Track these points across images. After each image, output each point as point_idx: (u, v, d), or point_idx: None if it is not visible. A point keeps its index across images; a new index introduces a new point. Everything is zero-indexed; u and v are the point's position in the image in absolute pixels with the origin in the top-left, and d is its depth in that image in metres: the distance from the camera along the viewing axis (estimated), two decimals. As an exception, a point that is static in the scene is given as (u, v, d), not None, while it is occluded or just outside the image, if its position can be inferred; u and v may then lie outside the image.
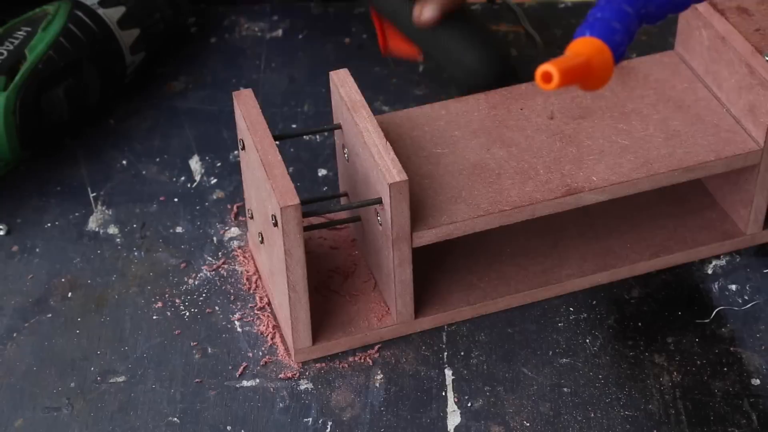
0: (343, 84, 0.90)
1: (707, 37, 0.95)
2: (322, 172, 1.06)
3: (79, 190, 1.05)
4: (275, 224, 0.85)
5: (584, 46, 0.70)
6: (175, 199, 1.04)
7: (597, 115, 0.95)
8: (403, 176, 0.83)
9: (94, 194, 1.04)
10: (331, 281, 0.95)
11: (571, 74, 0.67)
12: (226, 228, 1.01)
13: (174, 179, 1.06)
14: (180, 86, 1.15)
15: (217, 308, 0.95)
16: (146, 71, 1.16)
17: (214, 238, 1.00)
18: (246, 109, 0.90)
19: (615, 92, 0.96)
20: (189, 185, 1.05)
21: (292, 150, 1.07)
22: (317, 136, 1.09)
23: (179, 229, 1.01)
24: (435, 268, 0.96)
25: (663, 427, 0.86)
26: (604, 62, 0.70)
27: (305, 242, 0.84)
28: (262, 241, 0.92)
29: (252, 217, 0.94)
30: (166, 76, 1.16)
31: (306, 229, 0.88)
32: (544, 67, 0.66)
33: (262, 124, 0.88)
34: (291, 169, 1.04)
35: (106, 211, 1.03)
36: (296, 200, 0.83)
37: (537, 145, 0.92)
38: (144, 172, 1.06)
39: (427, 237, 0.88)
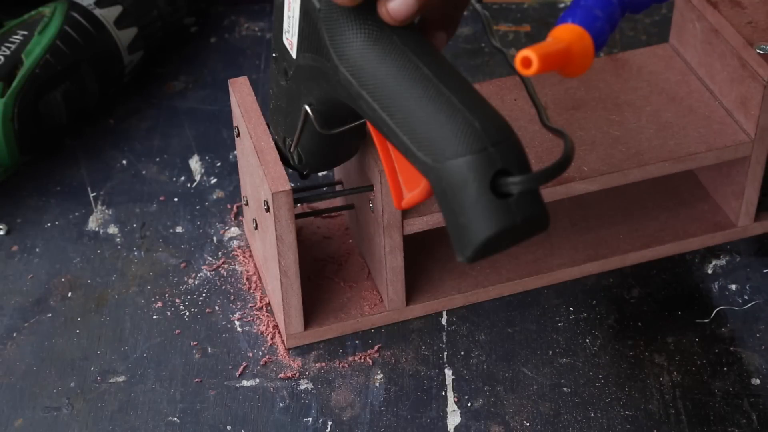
0: None
1: (700, 29, 0.96)
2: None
3: (79, 190, 1.05)
4: (267, 210, 0.85)
5: (565, 33, 0.70)
6: (175, 199, 1.04)
7: (590, 106, 0.95)
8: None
9: (94, 194, 1.04)
10: (324, 269, 0.96)
11: (550, 60, 0.68)
12: (226, 228, 1.01)
13: (174, 179, 1.06)
14: (180, 86, 1.15)
15: (217, 308, 0.95)
16: (146, 71, 1.16)
17: (214, 238, 1.00)
18: (241, 96, 0.90)
19: (608, 84, 0.97)
20: (189, 185, 1.05)
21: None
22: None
23: (179, 229, 1.01)
24: (427, 257, 0.96)
25: (663, 427, 0.86)
26: (584, 49, 0.70)
27: (299, 230, 0.85)
28: (256, 228, 0.92)
29: (247, 204, 0.95)
30: (165, 75, 1.16)
31: (299, 216, 0.88)
32: (523, 53, 0.67)
33: (256, 111, 0.89)
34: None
35: (106, 210, 1.03)
36: (287, 186, 0.84)
37: (530, 135, 0.92)
38: (144, 172, 1.06)
39: (418, 224, 0.88)
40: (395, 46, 0.73)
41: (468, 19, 1.19)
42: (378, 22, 0.73)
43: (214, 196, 1.04)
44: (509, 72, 0.93)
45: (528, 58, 0.67)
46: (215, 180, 1.05)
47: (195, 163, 1.07)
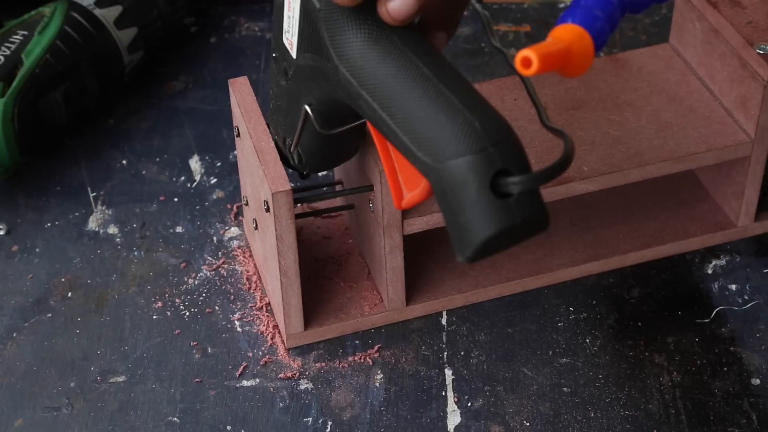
0: None
1: (700, 29, 0.96)
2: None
3: (78, 190, 1.05)
4: (267, 210, 0.85)
5: (565, 33, 0.70)
6: (175, 199, 1.04)
7: (590, 106, 0.95)
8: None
9: (94, 194, 1.04)
10: (324, 269, 0.96)
11: (550, 60, 0.68)
12: (226, 228, 1.01)
13: (174, 179, 1.06)
14: (180, 86, 1.15)
15: (217, 308, 0.95)
16: (146, 71, 1.16)
17: (214, 238, 1.00)
18: (241, 96, 0.90)
19: (608, 84, 0.97)
20: (189, 185, 1.05)
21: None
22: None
23: (179, 229, 1.01)
24: (427, 257, 0.96)
25: (663, 427, 0.86)
26: (584, 49, 0.70)
27: (299, 230, 0.84)
28: (256, 228, 0.92)
29: (247, 204, 0.95)
30: (165, 75, 1.16)
31: (299, 216, 0.88)
32: (523, 53, 0.67)
33: (256, 111, 0.89)
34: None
35: (106, 210, 1.03)
36: (287, 186, 0.84)
37: (530, 135, 0.92)
38: (144, 172, 1.06)
39: (418, 224, 0.88)
40: (395, 46, 0.73)
41: (468, 19, 1.19)
42: (378, 22, 0.73)
43: (214, 196, 1.04)
44: (509, 72, 0.93)
45: (528, 58, 0.67)
46: (215, 180, 1.05)
47: (195, 163, 1.07)
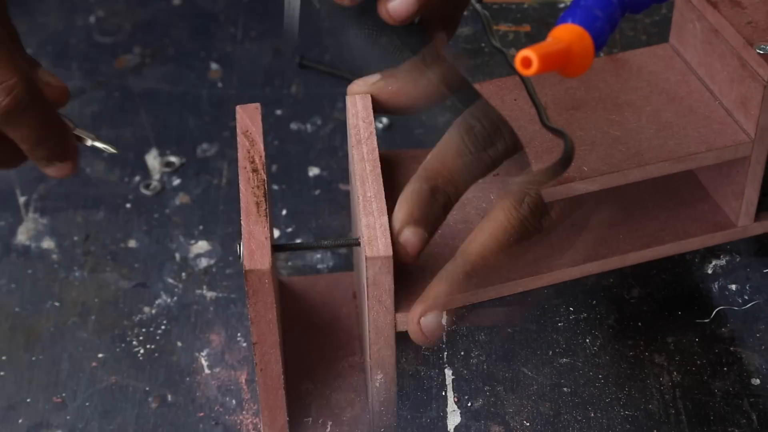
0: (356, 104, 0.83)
1: (700, 29, 0.97)
2: (313, 171, 1.02)
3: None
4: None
5: (565, 33, 0.72)
6: (128, 206, 0.98)
7: (590, 106, 0.95)
8: (389, 252, 0.80)
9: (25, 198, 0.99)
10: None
11: (550, 60, 0.70)
12: (192, 242, 0.96)
13: (126, 179, 1.00)
14: (134, 60, 1.08)
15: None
16: (90, 40, 1.07)
17: (177, 255, 0.95)
18: (244, 124, 0.83)
19: (608, 84, 0.97)
20: (145, 187, 1.00)
21: (276, 143, 1.03)
22: (307, 125, 1.05)
23: (132, 244, 0.96)
24: (427, 257, 0.95)
25: (663, 427, 0.87)
26: (584, 49, 0.72)
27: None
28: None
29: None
30: (116, 46, 1.09)
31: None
32: (523, 53, 0.69)
33: (259, 147, 0.82)
34: (275, 168, 0.99)
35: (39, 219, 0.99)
36: (267, 263, 0.72)
37: (529, 135, 0.92)
38: (87, 171, 1.00)
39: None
40: (395, 46, 0.73)
41: (468, 19, 1.18)
42: (378, 22, 0.73)
43: (177, 202, 0.99)
44: (509, 72, 0.93)
45: (528, 58, 0.69)
46: (179, 181, 1.00)
47: (153, 159, 1.02)
